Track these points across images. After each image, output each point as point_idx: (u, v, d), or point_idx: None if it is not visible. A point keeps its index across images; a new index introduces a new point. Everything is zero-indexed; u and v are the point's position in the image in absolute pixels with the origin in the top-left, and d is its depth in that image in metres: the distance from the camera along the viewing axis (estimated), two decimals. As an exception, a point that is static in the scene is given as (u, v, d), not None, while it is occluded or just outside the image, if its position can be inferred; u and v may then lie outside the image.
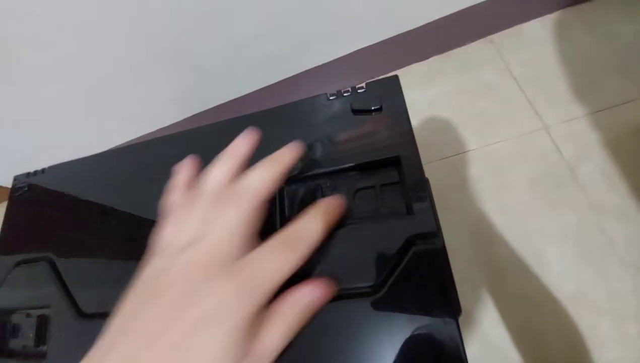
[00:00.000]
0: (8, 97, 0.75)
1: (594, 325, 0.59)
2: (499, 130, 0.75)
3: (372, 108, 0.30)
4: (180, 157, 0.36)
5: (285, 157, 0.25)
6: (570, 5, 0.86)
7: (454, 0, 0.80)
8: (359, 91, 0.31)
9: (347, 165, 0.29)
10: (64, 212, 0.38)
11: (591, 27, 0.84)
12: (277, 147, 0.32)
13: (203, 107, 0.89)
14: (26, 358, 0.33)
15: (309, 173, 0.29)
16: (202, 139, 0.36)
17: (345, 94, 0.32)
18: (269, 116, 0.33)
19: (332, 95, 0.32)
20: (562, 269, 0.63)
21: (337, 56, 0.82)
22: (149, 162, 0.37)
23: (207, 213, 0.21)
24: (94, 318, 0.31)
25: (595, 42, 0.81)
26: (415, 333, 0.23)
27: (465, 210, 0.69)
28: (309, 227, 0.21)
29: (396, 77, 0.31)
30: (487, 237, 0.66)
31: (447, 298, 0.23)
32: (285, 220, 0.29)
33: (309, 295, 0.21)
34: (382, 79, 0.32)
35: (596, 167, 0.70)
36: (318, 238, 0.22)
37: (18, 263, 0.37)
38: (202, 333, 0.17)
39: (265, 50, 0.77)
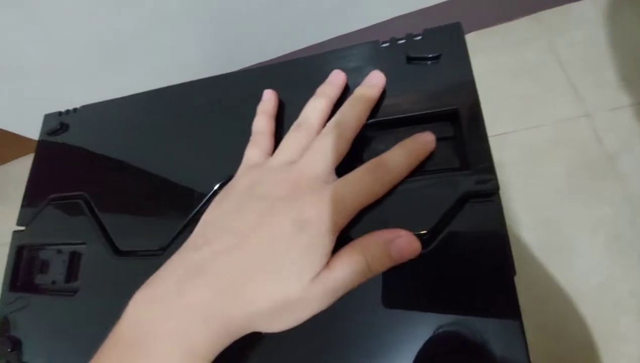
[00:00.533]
0: (31, 44, 0.74)
1: (616, 320, 0.57)
2: (538, 114, 0.71)
3: (430, 56, 0.27)
4: (216, 100, 0.34)
5: (369, 92, 0.26)
6: None
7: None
8: (415, 39, 0.29)
9: (398, 116, 0.27)
10: (97, 151, 0.37)
11: None
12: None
13: (232, 67, 0.87)
14: (57, 292, 0.34)
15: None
16: (244, 82, 0.34)
17: (399, 42, 0.29)
18: (319, 61, 0.31)
19: (384, 42, 0.30)
20: (590, 261, 0.61)
21: (371, 24, 0.78)
22: (185, 105, 0.36)
23: (302, 140, 0.24)
24: (128, 256, 0.31)
25: None
26: (469, 287, 0.21)
27: (493, 194, 0.66)
28: (395, 160, 0.22)
29: (458, 24, 0.28)
30: (515, 223, 0.64)
31: (504, 258, 0.21)
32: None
33: (398, 240, 0.21)
34: (442, 26, 0.29)
35: (637, 160, 0.66)
36: (403, 171, 0.23)
37: (52, 200, 0.37)
38: (291, 238, 0.19)
39: (294, 14, 0.74)
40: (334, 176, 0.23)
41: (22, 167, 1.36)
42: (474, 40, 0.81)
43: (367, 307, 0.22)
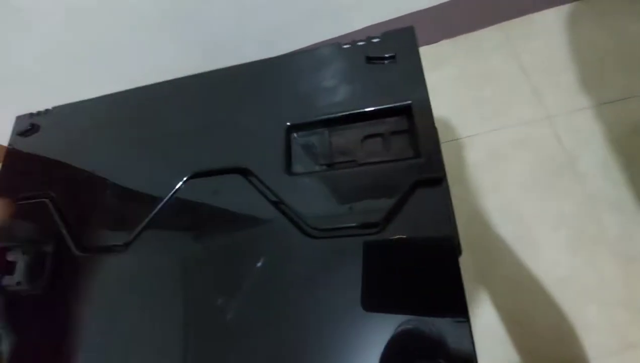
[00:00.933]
0: (12, 46, 0.73)
1: (582, 310, 0.60)
2: (503, 116, 0.75)
3: (386, 56, 0.29)
4: (179, 102, 0.35)
5: None
6: None
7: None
8: (373, 41, 0.31)
9: (357, 111, 0.29)
10: (66, 152, 0.37)
11: (602, 21, 0.84)
12: (290, 92, 0.32)
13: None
14: (22, 292, 0.33)
15: (317, 118, 0.29)
16: (208, 85, 0.35)
17: (359, 43, 0.31)
18: (283, 62, 0.33)
19: (345, 44, 0.32)
20: (554, 255, 0.64)
21: (346, 32, 0.81)
22: (151, 106, 0.36)
23: None
24: (92, 252, 0.31)
25: (605, 36, 0.81)
26: (417, 267, 0.23)
27: (462, 192, 0.69)
28: None
29: (412, 27, 0.31)
30: (482, 220, 0.67)
31: (449, 237, 0.23)
32: (291, 166, 0.29)
33: None
34: (397, 29, 0.31)
35: (596, 159, 0.70)
36: None
37: (19, 200, 0.36)
38: None
39: (274, 19, 0.76)
40: None
41: None
42: (444, 48, 0.86)
43: (319, 292, 0.24)
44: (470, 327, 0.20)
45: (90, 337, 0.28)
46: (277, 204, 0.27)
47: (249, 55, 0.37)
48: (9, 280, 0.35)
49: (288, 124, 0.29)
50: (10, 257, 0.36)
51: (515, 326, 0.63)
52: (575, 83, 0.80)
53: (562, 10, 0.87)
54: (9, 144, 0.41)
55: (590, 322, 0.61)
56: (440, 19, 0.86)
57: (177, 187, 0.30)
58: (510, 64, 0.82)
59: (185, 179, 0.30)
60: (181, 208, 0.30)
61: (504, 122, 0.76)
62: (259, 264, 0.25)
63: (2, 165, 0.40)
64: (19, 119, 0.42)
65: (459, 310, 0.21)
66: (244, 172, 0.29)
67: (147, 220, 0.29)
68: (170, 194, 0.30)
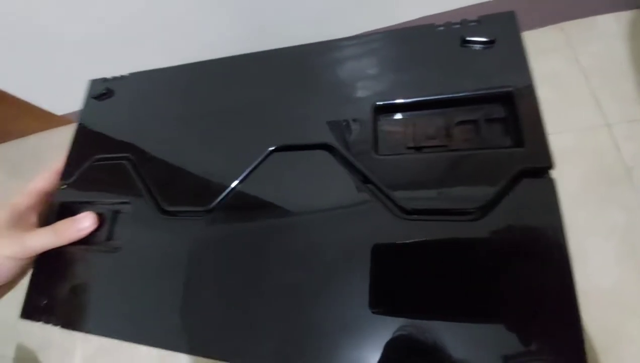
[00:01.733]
0: (66, 19, 0.75)
1: (625, 323, 0.58)
2: (559, 120, 0.72)
3: (486, 40, 0.28)
4: (260, 76, 0.35)
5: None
6: None
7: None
8: (470, 24, 0.30)
9: (450, 95, 0.28)
10: (143, 116, 0.38)
11: None
12: (379, 73, 0.31)
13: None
14: (99, 250, 0.35)
15: (407, 100, 0.29)
16: (294, 60, 0.35)
17: (455, 26, 0.30)
18: (372, 41, 0.32)
19: (439, 25, 0.31)
20: (601, 265, 0.62)
21: (401, 21, 0.79)
22: (231, 77, 0.37)
23: None
24: (173, 216, 0.32)
25: None
26: (522, 259, 0.22)
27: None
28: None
29: (512, 12, 0.30)
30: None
31: (560, 232, 0.22)
32: (378, 147, 0.28)
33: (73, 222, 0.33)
34: (496, 13, 0.30)
35: (654, 172, 0.67)
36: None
37: (96, 160, 0.38)
38: None
39: (326, 4, 0.75)
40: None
41: (40, 143, 1.35)
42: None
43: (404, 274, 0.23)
44: (584, 340, 0.20)
45: (169, 301, 0.29)
46: (365, 182, 0.27)
47: (301, 37, 0.36)
48: (91, 235, 0.36)
49: (377, 103, 0.29)
50: (101, 213, 0.37)
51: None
52: (635, 91, 0.76)
53: (625, 16, 0.82)
54: (84, 106, 0.42)
55: (632, 335, 0.60)
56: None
57: (261, 158, 0.30)
58: (569, 66, 0.79)
59: (268, 151, 0.30)
60: (264, 180, 0.30)
61: (561, 126, 0.74)
62: (343, 241, 0.25)
63: (78, 127, 0.41)
64: (94, 82, 0.43)
65: (572, 318, 0.20)
66: (330, 149, 0.29)
67: (231, 186, 0.30)
68: (255, 165, 0.30)
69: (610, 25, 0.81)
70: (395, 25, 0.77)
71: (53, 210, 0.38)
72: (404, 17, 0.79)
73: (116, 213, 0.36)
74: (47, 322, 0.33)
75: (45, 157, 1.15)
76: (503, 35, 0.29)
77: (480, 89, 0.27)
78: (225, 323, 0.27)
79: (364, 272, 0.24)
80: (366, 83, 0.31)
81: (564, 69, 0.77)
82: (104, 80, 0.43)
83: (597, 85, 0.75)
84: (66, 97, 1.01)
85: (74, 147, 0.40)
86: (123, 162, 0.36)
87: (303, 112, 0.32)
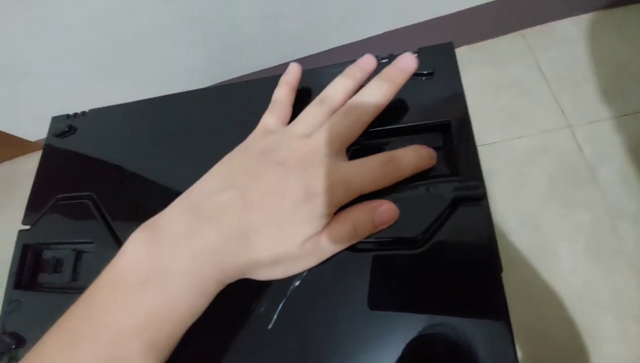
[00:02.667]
0: (32, 51, 0.75)
1: (597, 320, 0.61)
2: (522, 125, 0.75)
3: (424, 72, 0.30)
4: (221, 108, 0.36)
5: (397, 76, 0.26)
6: (604, 8, 0.85)
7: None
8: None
9: (396, 126, 0.29)
10: (105, 154, 0.38)
11: (622, 31, 0.83)
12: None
13: (227, 76, 0.89)
14: (63, 290, 0.35)
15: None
16: (247, 93, 0.36)
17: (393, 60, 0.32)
18: (317, 74, 0.34)
19: (383, 58, 0.32)
20: (571, 265, 0.64)
21: (365, 37, 0.81)
22: (192, 112, 0.37)
23: (320, 116, 0.25)
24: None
25: (625, 46, 0.81)
26: (459, 285, 0.24)
27: (479, 201, 0.69)
28: (407, 160, 0.25)
29: (450, 44, 0.31)
30: (499, 229, 0.67)
31: (492, 256, 0.24)
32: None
33: (380, 208, 0.24)
34: (435, 45, 0.32)
35: (615, 170, 0.70)
36: (409, 172, 0.25)
37: (58, 200, 0.38)
38: (298, 205, 0.21)
39: (292, 25, 0.76)
40: (344, 156, 0.25)
41: (13, 169, 1.33)
42: (465, 54, 0.86)
43: (355, 310, 0.24)
44: (515, 352, 0.21)
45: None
46: None
47: (268, 61, 0.37)
48: (49, 278, 0.36)
49: None
50: (50, 255, 0.38)
51: (531, 334, 0.63)
52: (595, 93, 0.79)
53: (583, 19, 0.86)
54: (45, 145, 0.42)
55: (606, 333, 0.62)
56: (459, 26, 0.86)
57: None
58: (530, 72, 0.82)
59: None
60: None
61: (524, 130, 0.77)
62: (295, 281, 0.26)
63: (40, 165, 0.41)
64: (55, 119, 0.43)
65: (503, 331, 0.22)
66: None
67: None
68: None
69: (569, 30, 0.85)
70: (359, 41, 0.79)
71: (17, 253, 0.37)
72: (368, 33, 0.81)
73: (80, 253, 0.36)
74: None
75: (20, 184, 1.13)
76: (442, 65, 0.30)
77: (421, 119, 0.29)
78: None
79: (316, 307, 0.25)
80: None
81: (526, 74, 0.80)
82: (67, 116, 0.43)
83: (558, 89, 0.78)
84: (38, 123, 1.00)
85: (36, 186, 0.40)
86: (85, 201, 0.36)
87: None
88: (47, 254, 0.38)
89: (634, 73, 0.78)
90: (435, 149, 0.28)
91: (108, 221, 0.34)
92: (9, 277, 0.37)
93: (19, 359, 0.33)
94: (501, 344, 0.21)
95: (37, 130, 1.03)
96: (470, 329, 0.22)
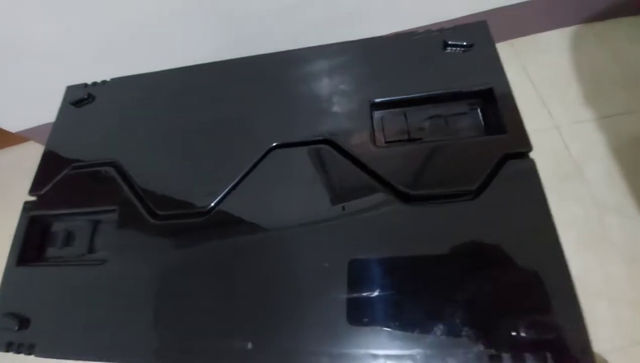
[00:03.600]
0: (17, 31, 0.70)
1: (591, 307, 0.64)
2: (517, 123, 0.81)
3: (464, 44, 0.32)
4: (248, 79, 0.35)
5: None
6: (585, 22, 0.94)
7: (479, 1, 0.84)
8: (447, 31, 0.33)
9: (439, 92, 0.30)
10: (129, 121, 0.36)
11: (602, 43, 0.92)
12: (369, 76, 0.33)
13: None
14: (82, 263, 0.32)
15: (402, 97, 0.31)
16: (290, 63, 0.36)
17: (434, 33, 0.33)
18: (358, 47, 0.35)
19: (420, 33, 0.34)
20: (566, 255, 0.67)
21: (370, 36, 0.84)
22: (220, 80, 0.36)
23: None
24: (167, 220, 0.30)
25: (604, 56, 0.89)
26: (513, 234, 0.24)
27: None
28: None
29: (485, 22, 0.33)
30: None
31: (542, 203, 0.25)
32: (375, 139, 0.30)
33: None
34: (470, 23, 0.34)
35: (601, 167, 0.76)
36: None
37: (74, 168, 0.35)
38: None
39: (306, 16, 0.77)
40: None
41: None
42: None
43: (416, 256, 0.25)
44: (579, 302, 0.22)
45: (169, 307, 0.27)
46: (368, 172, 0.28)
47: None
48: (64, 251, 0.33)
49: (374, 100, 0.31)
50: (61, 227, 0.35)
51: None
52: (578, 97, 0.86)
53: (566, 31, 0.94)
54: (60, 112, 0.40)
55: (599, 318, 0.65)
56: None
57: (260, 156, 0.30)
58: (520, 77, 0.88)
59: (268, 148, 0.31)
60: (264, 177, 0.30)
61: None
62: (354, 229, 0.26)
63: (52, 134, 0.39)
64: (71, 88, 0.41)
65: (563, 277, 0.23)
66: (330, 143, 0.30)
67: (231, 185, 0.30)
68: (254, 163, 0.30)
69: (555, 40, 0.93)
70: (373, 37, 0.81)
71: (22, 226, 0.34)
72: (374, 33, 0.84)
73: (97, 223, 0.33)
74: (18, 351, 0.30)
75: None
76: (478, 40, 0.32)
77: (465, 86, 0.30)
78: (234, 330, 0.26)
79: (377, 257, 0.25)
80: (360, 83, 0.33)
81: (514, 79, 0.85)
82: (84, 85, 0.41)
83: (545, 93, 0.85)
84: (20, 114, 0.94)
85: (46, 156, 0.37)
86: (107, 168, 0.34)
87: (302, 110, 0.32)
88: (58, 226, 0.35)
89: (612, 79, 0.85)
90: (481, 111, 0.30)
91: (135, 187, 0.32)
92: (11, 253, 0.34)
93: (26, 343, 0.30)
94: (560, 281, 0.22)
95: (18, 120, 0.96)
96: (529, 269, 0.23)
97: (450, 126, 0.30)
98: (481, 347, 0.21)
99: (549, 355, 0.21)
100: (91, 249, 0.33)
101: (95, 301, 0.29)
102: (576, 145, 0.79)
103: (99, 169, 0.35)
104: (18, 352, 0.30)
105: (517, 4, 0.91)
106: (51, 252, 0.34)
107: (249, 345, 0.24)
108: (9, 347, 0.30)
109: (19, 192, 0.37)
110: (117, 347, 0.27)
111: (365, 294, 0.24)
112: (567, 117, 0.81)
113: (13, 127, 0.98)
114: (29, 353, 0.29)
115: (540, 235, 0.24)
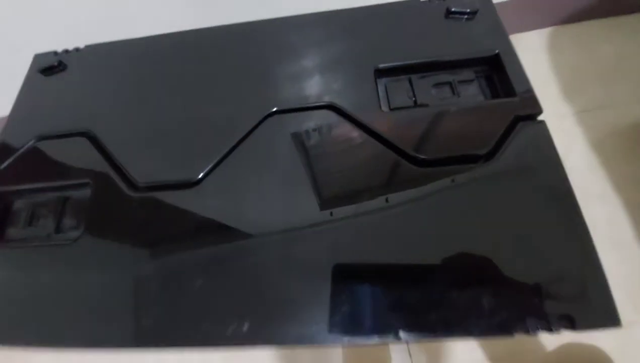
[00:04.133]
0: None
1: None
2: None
3: (468, 11, 0.31)
4: (240, 45, 0.32)
5: None
6: (561, 23, 0.99)
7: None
8: (450, -1, 0.32)
9: (446, 59, 0.29)
10: (108, 89, 0.33)
11: (579, 42, 0.97)
12: (372, 43, 0.31)
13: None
14: (46, 244, 0.28)
15: (407, 63, 0.29)
16: (256, 32, 0.33)
17: (436, 1, 0.32)
18: (362, 14, 0.33)
19: (422, 1, 0.33)
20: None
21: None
22: (208, 45, 0.34)
23: None
24: (150, 191, 0.27)
25: (579, 55, 0.94)
26: (532, 194, 0.23)
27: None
28: None
29: (487, -11, 0.33)
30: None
31: (556, 164, 0.24)
32: (381, 105, 0.28)
33: None
34: (472, -9, 0.33)
35: (582, 157, 0.79)
36: None
37: (39, 139, 0.31)
38: None
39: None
40: None
41: None
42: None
43: (430, 219, 0.23)
44: (600, 263, 0.21)
45: (151, 289, 0.24)
46: (376, 136, 0.26)
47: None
48: (28, 231, 0.29)
49: (379, 66, 0.29)
50: (23, 205, 0.30)
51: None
52: (558, 93, 0.89)
53: (544, 32, 0.98)
54: (25, 82, 0.35)
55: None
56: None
57: (257, 122, 0.28)
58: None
59: (266, 114, 0.28)
60: (261, 145, 0.27)
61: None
62: (364, 193, 0.24)
63: (16, 104, 0.34)
64: (39, 57, 0.37)
65: (582, 238, 0.21)
66: (334, 109, 0.28)
67: (222, 154, 0.27)
68: (249, 130, 0.27)
69: (534, 40, 0.97)
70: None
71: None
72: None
73: (66, 199, 0.29)
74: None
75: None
76: (481, 7, 0.31)
77: (470, 53, 0.29)
78: (225, 309, 0.23)
79: (395, 218, 0.23)
80: (364, 50, 0.31)
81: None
82: (54, 53, 0.37)
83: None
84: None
85: (8, 127, 0.33)
86: (79, 138, 0.30)
87: (301, 78, 0.30)
88: (20, 204, 0.30)
89: (588, 77, 0.90)
90: (489, 77, 0.29)
91: (112, 158, 0.29)
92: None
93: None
94: (581, 242, 0.21)
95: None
96: (550, 230, 0.22)
97: (457, 92, 0.28)
98: (504, 313, 0.20)
99: (573, 317, 0.20)
100: (59, 228, 0.29)
101: (65, 285, 0.26)
102: (558, 137, 0.81)
103: (68, 138, 0.31)
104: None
105: (497, 3, 0.94)
106: (13, 233, 0.30)
107: (245, 327, 0.21)
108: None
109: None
110: (90, 334, 0.23)
111: (376, 257, 0.22)
112: (548, 112, 0.84)
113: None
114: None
115: (557, 194, 0.23)
